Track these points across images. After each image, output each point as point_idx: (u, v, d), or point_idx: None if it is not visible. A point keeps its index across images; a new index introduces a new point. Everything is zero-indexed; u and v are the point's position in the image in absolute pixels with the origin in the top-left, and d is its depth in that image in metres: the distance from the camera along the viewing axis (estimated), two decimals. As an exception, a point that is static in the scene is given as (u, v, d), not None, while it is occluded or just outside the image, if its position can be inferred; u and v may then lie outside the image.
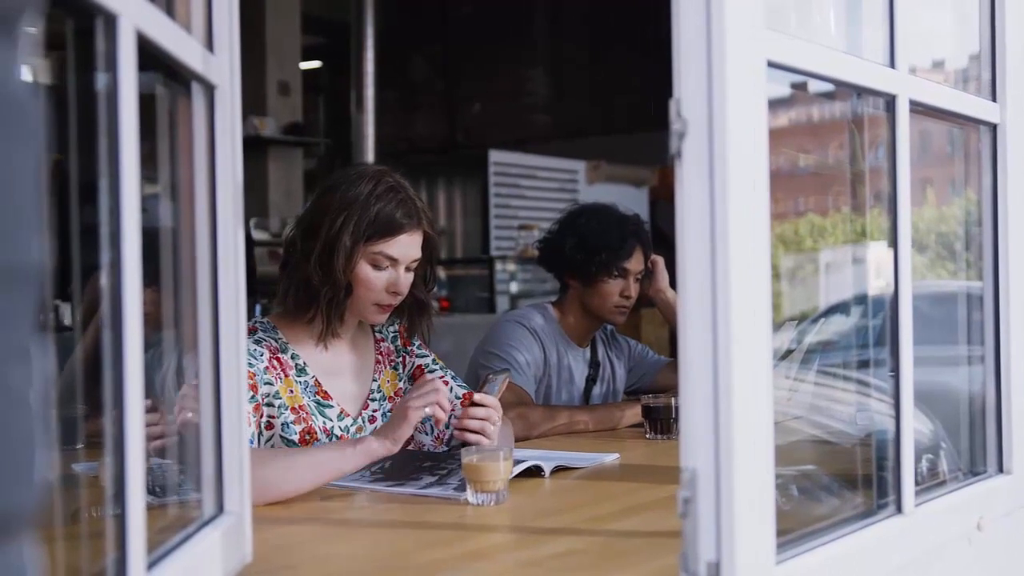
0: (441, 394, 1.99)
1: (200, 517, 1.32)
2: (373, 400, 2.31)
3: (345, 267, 2.14)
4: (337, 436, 2.20)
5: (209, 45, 1.33)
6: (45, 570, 0.59)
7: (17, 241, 0.51)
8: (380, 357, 2.36)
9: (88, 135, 1.01)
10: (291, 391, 2.16)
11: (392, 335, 2.41)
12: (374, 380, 2.33)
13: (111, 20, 0.97)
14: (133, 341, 1.00)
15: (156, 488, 1.34)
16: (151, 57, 1.10)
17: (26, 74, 0.53)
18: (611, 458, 2.30)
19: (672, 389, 2.90)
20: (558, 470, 2.14)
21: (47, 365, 0.54)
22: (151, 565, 1.08)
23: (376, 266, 2.17)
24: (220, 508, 1.35)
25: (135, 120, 1.01)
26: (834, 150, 2.03)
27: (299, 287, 2.18)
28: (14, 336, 0.52)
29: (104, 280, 1.00)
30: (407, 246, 2.19)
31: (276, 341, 2.20)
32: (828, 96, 1.72)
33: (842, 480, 1.67)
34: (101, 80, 1.00)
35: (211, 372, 1.35)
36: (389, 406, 2.32)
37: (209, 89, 1.33)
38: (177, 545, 1.20)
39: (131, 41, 1.00)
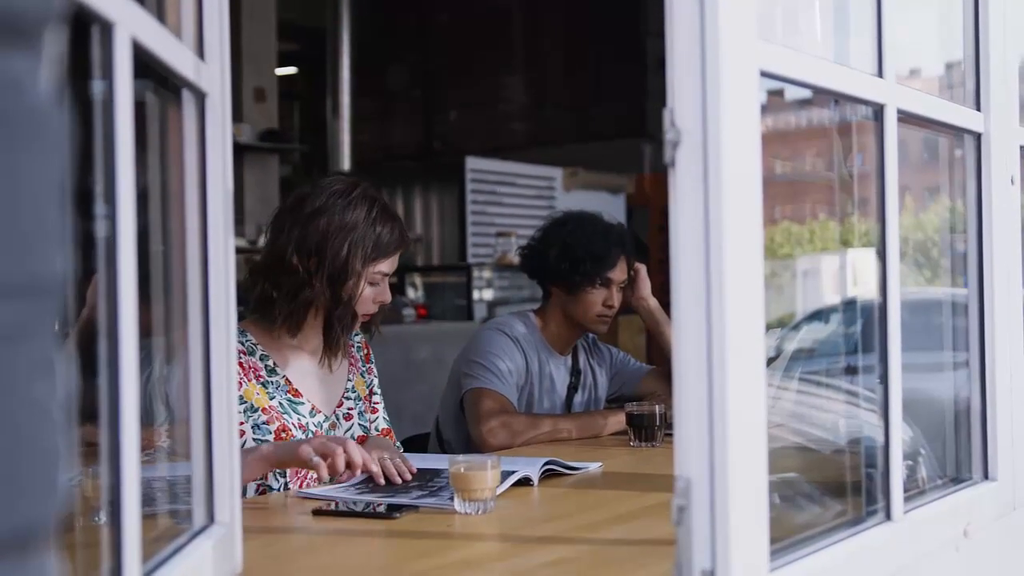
0: (339, 457, 1.95)
1: (191, 528, 1.31)
2: (348, 398, 2.39)
3: (354, 292, 2.24)
4: (312, 432, 2.26)
5: (200, 53, 1.32)
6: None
7: (42, 253, 0.51)
8: (352, 360, 2.44)
9: (82, 142, 1.00)
10: (258, 393, 2.21)
11: (357, 345, 2.48)
12: (348, 380, 2.40)
13: (107, 28, 0.97)
14: (128, 350, 0.99)
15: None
16: (143, 64, 1.09)
17: (48, 85, 0.53)
18: (595, 467, 2.31)
19: (654, 396, 2.91)
20: (547, 476, 2.14)
21: (68, 377, 0.54)
22: (145, 576, 1.07)
23: (372, 283, 2.28)
24: (211, 519, 1.34)
25: (131, 127, 1.00)
26: (810, 157, 2.04)
27: (299, 304, 2.23)
28: (38, 349, 0.51)
29: (99, 287, 1.00)
30: (396, 260, 2.33)
31: (243, 344, 2.22)
32: (803, 104, 1.73)
33: (830, 488, 1.68)
34: (96, 87, 0.99)
35: (201, 382, 1.34)
36: (363, 405, 2.41)
37: (200, 97, 1.32)
38: (169, 556, 1.19)
39: (127, 49, 0.99)
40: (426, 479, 2.10)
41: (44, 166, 0.51)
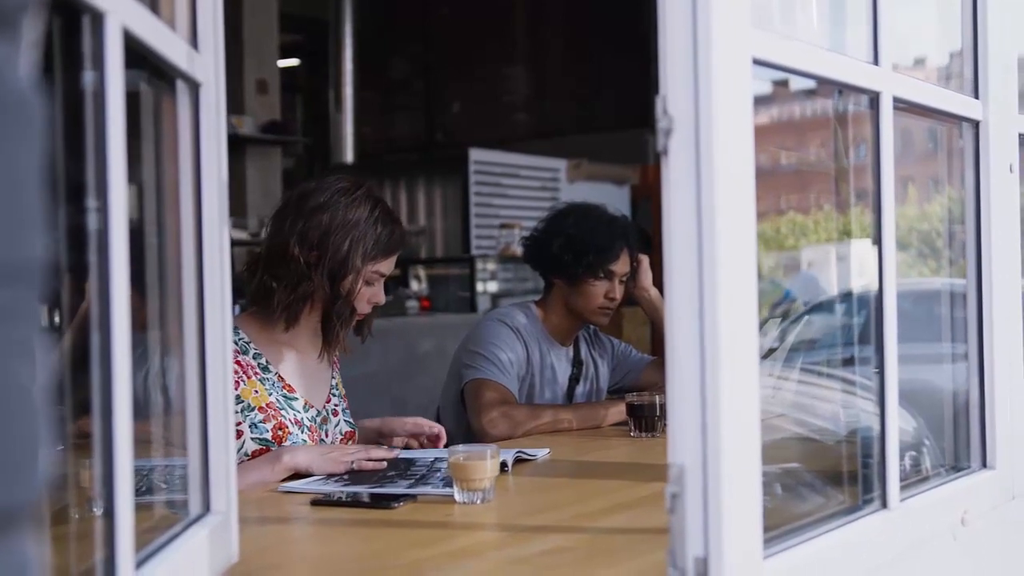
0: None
1: (187, 516, 1.31)
2: (334, 395, 2.42)
3: (352, 288, 2.26)
4: (307, 427, 2.29)
5: (194, 43, 1.32)
6: (43, 566, 0.59)
7: (21, 238, 0.51)
8: (335, 359, 2.47)
9: (73, 133, 1.00)
10: (256, 391, 2.23)
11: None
12: (333, 378, 2.44)
13: (98, 18, 0.97)
14: (121, 342, 0.99)
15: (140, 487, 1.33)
16: (135, 55, 1.09)
17: (27, 71, 0.53)
18: (542, 453, 2.33)
19: (656, 387, 2.91)
20: (517, 462, 2.19)
21: (50, 361, 0.54)
22: (139, 564, 1.07)
23: (369, 283, 2.29)
24: (207, 507, 1.34)
25: (122, 118, 1.00)
26: (815, 148, 2.04)
27: (298, 296, 2.24)
28: (19, 332, 0.52)
29: (91, 281, 1.00)
30: (394, 263, 2.35)
31: (236, 343, 2.24)
32: (809, 94, 1.72)
33: (827, 476, 1.68)
34: (87, 78, 0.99)
35: (196, 372, 1.34)
36: (345, 404, 2.45)
37: (194, 87, 1.32)
38: (164, 544, 1.19)
39: (118, 39, 0.99)
40: (402, 469, 2.11)
41: (23, 152, 0.51)
